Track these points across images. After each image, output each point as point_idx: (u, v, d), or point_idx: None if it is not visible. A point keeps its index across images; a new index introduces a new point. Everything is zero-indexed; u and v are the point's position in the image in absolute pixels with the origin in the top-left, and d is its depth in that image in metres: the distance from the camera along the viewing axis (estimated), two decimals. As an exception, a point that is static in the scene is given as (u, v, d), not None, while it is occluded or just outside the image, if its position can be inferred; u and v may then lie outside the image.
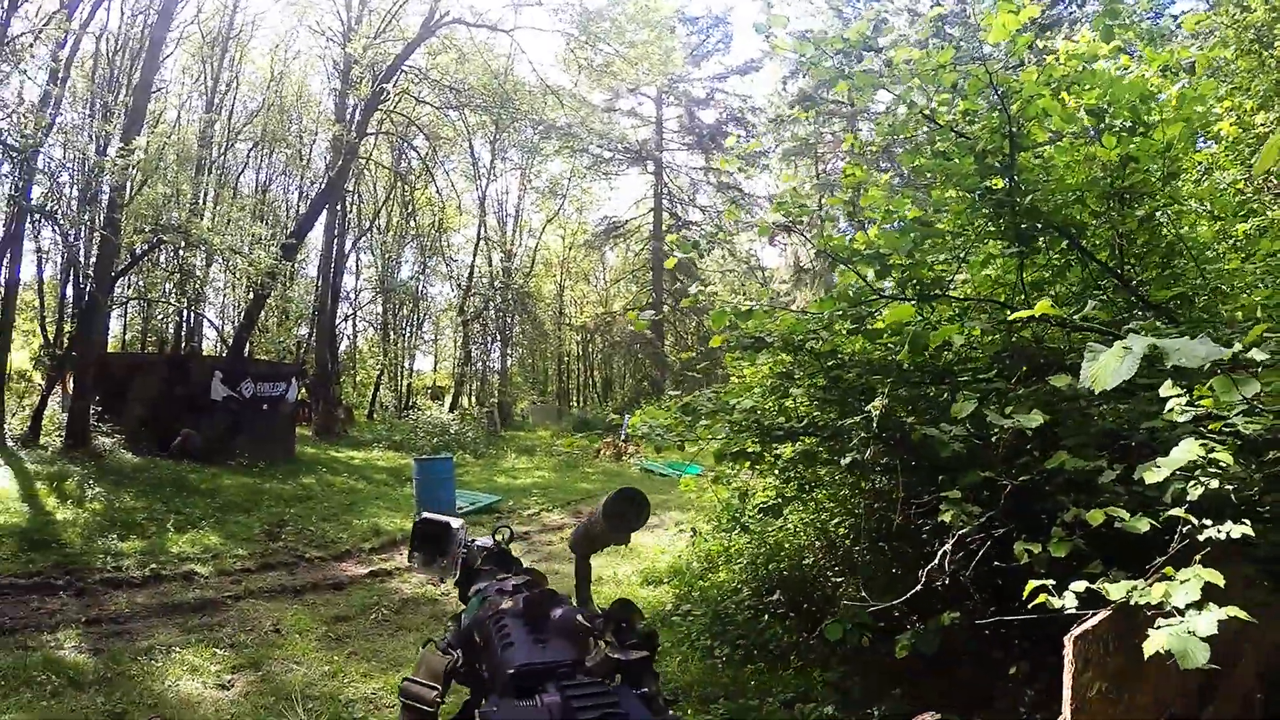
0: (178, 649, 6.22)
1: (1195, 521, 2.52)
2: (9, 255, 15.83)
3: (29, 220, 16.36)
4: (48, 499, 10.51)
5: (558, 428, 31.22)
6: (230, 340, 23.64)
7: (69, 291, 21.38)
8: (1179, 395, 2.43)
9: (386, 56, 22.94)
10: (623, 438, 24.61)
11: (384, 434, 24.17)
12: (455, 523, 1.62)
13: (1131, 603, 2.08)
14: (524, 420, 35.84)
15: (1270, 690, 3.44)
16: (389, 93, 22.55)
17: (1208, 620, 1.89)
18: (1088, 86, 3.72)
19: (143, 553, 9.10)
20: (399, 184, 32.52)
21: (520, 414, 36.99)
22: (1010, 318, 3.09)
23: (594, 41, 23.56)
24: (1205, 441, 2.42)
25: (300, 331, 30.42)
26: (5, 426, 14.09)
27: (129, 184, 14.51)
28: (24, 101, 15.50)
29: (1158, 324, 3.61)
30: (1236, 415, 2.54)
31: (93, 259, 15.50)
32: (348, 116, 23.68)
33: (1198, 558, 2.15)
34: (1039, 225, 3.82)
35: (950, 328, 3.55)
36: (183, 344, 26.08)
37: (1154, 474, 2.51)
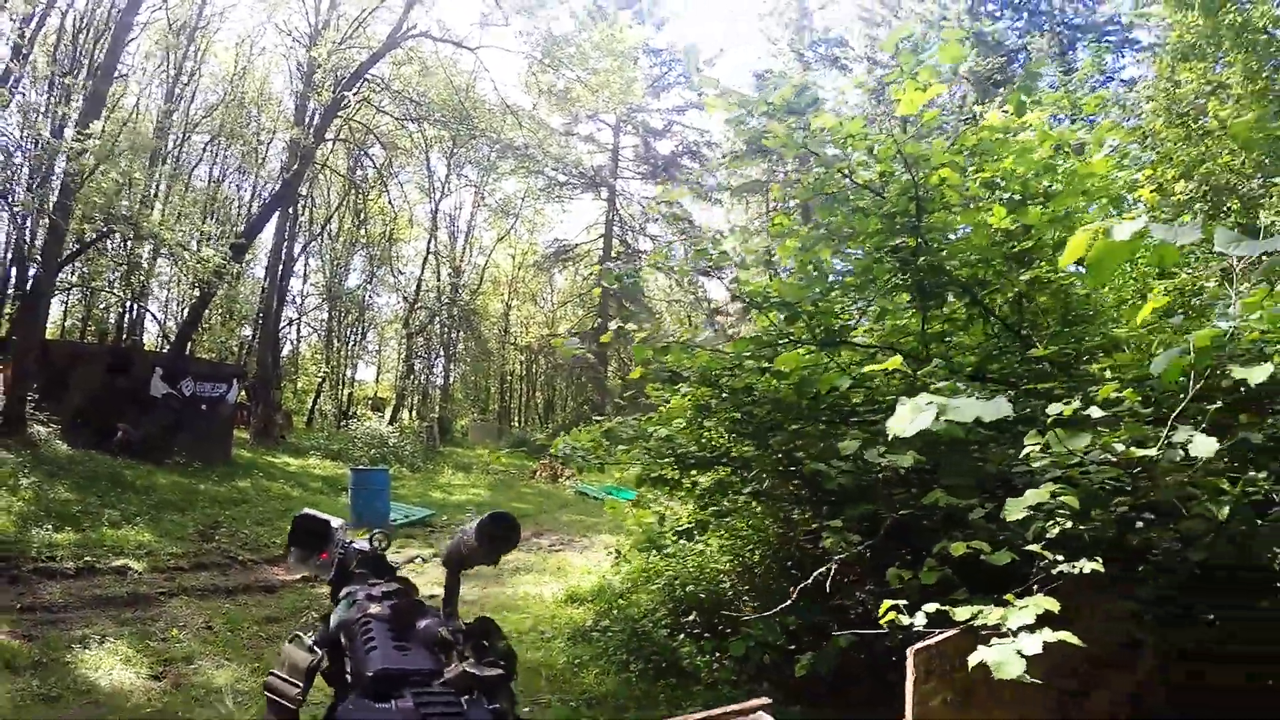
0: (111, 639, 6.31)
1: (1050, 556, 2.85)
2: None
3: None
4: (-18, 485, 10.34)
5: (497, 446, 31.18)
6: (172, 336, 23.25)
7: (11, 274, 20.85)
8: (1036, 444, 2.76)
9: (350, 63, 22.93)
10: (559, 460, 24.73)
11: (322, 442, 23.95)
12: (336, 522, 1.63)
13: (976, 624, 2.37)
14: (464, 437, 35.68)
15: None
16: (350, 100, 22.53)
17: (1034, 641, 2.19)
18: (994, 158, 4.10)
19: (77, 545, 9.11)
20: (353, 191, 32.31)
21: (460, 430, 36.81)
22: (865, 370, 3.41)
23: (557, 66, 23.86)
24: (1057, 486, 2.75)
25: (243, 332, 29.97)
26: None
27: (83, 169, 14.26)
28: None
29: (1045, 379, 3.99)
30: (1091, 465, 2.87)
31: (39, 243, 15.19)
32: (307, 120, 23.57)
33: (1036, 587, 2.46)
34: (942, 281, 4.18)
35: (832, 375, 3.86)
36: (124, 336, 25.50)
37: (1013, 513, 2.83)
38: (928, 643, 2.34)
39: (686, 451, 4.88)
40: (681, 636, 6.15)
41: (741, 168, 34.18)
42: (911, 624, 2.50)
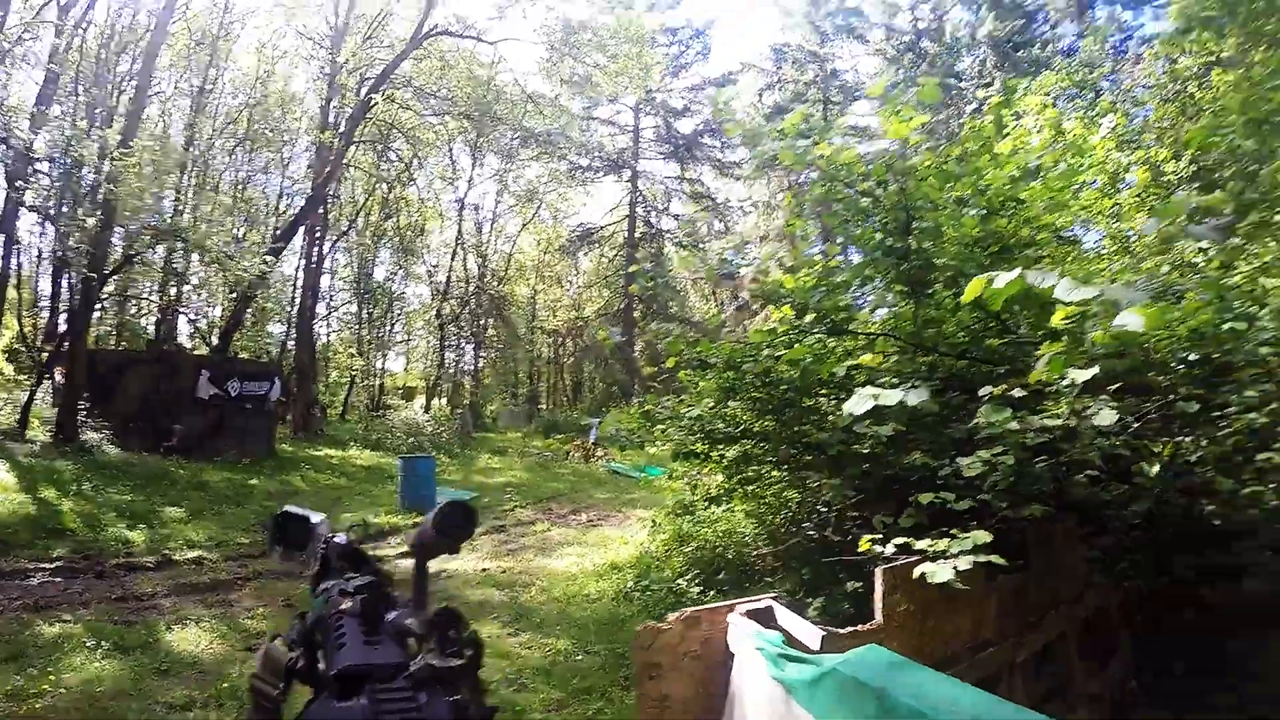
0: (205, 620, 7.08)
1: (998, 503, 3.60)
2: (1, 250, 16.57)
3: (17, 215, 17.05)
4: (47, 490, 11.20)
5: (528, 430, 32.03)
6: (210, 338, 24.22)
7: (44, 285, 21.85)
8: (985, 416, 3.49)
9: (372, 63, 23.61)
10: (592, 440, 25.58)
11: (360, 433, 24.82)
12: (316, 517, 1.60)
13: (930, 550, 3.09)
14: (494, 422, 36.59)
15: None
16: (376, 101, 23.23)
17: (966, 560, 2.91)
18: (971, 173, 4.79)
19: (150, 540, 9.93)
20: (379, 186, 33.12)
21: (491, 416, 37.72)
22: (857, 361, 4.13)
23: (575, 54, 24.40)
24: (999, 448, 3.48)
25: (277, 330, 30.94)
26: (-7, 419, 14.76)
27: (122, 184, 15.11)
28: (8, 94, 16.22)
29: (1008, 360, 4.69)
30: (1029, 433, 3.59)
31: (83, 258, 16.14)
32: (332, 121, 24.32)
33: (976, 524, 3.19)
34: (930, 276, 4.86)
35: (831, 362, 4.57)
36: (158, 340, 26.45)
37: (968, 470, 3.58)
38: (892, 565, 3.05)
39: (714, 428, 5.62)
40: (713, 593, 6.93)
41: (760, 177, 34.70)
42: (883, 552, 3.22)
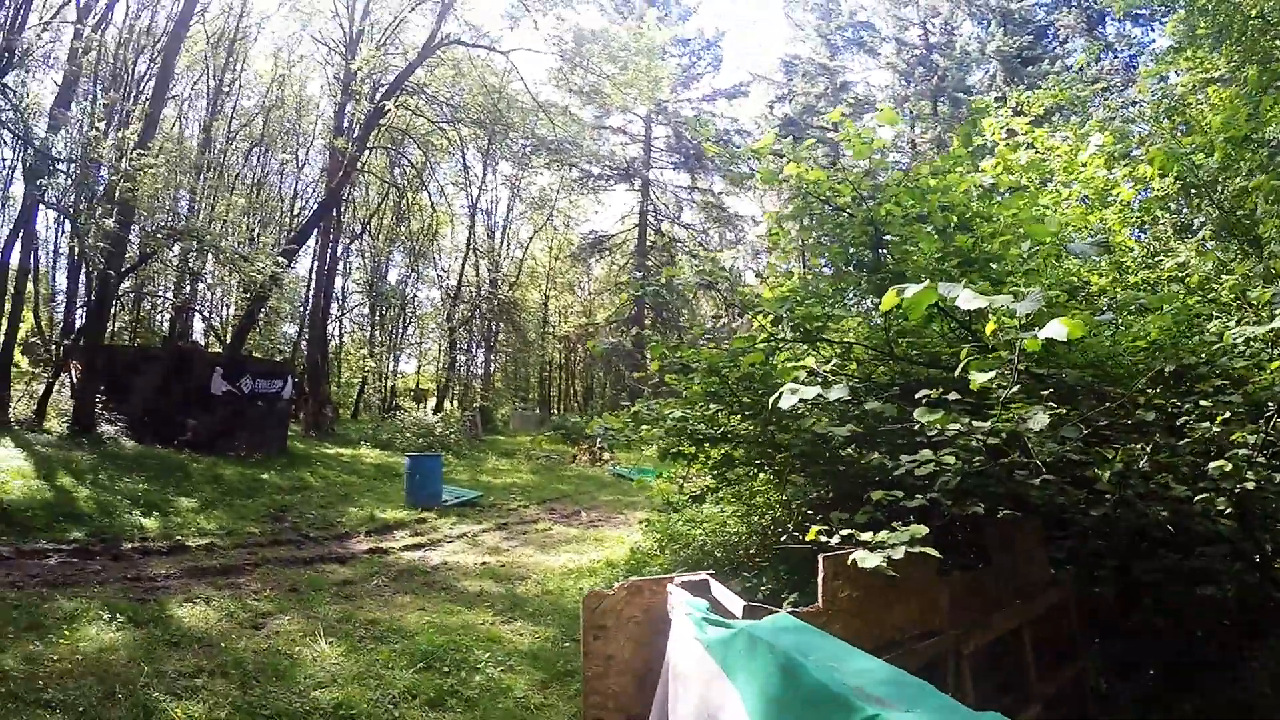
0: (214, 599, 7.44)
1: (946, 501, 3.89)
2: (18, 245, 17.06)
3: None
4: (63, 478, 11.58)
5: (538, 434, 32.38)
6: (224, 335, 24.70)
7: (61, 282, 22.37)
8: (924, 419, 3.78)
9: (386, 69, 24.06)
10: (599, 444, 25.90)
11: (371, 433, 25.19)
12: None
13: (872, 541, 3.38)
14: (505, 425, 36.99)
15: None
16: (389, 109, 23.66)
17: (900, 551, 3.20)
18: (932, 192, 5.09)
19: (163, 527, 10.31)
20: (392, 191, 33.62)
21: (502, 419, 38.12)
22: (784, 365, 4.39)
23: (584, 64, 24.77)
24: (946, 450, 3.77)
25: (290, 330, 31.47)
26: (10, 410, 15.20)
27: (140, 185, 15.55)
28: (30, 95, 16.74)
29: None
30: (974, 437, 3.88)
31: (101, 256, 16.62)
32: (349, 126, 24.80)
33: (912, 520, 3.48)
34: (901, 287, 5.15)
35: (789, 368, 4.86)
36: (173, 337, 26.95)
37: (918, 469, 3.87)
38: (835, 553, 3.34)
39: (696, 430, 5.92)
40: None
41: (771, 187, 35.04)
42: (828, 542, 3.51)
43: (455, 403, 37.18)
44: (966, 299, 2.67)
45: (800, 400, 3.25)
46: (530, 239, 42.69)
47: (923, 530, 3.33)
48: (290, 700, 5.22)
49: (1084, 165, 8.27)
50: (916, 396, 3.66)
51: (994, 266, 5.36)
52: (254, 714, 5.00)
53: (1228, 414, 4.16)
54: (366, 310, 38.36)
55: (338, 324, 37.32)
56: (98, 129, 17.27)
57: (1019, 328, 3.36)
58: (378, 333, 38.35)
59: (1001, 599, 4.59)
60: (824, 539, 3.45)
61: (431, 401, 36.42)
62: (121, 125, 18.45)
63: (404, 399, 38.79)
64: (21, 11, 15.41)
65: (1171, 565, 4.67)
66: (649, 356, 6.20)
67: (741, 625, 2.23)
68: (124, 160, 15.02)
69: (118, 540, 9.49)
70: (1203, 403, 4.36)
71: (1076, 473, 4.29)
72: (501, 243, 41.03)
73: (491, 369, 41.65)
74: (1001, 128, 9.07)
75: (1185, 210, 10.08)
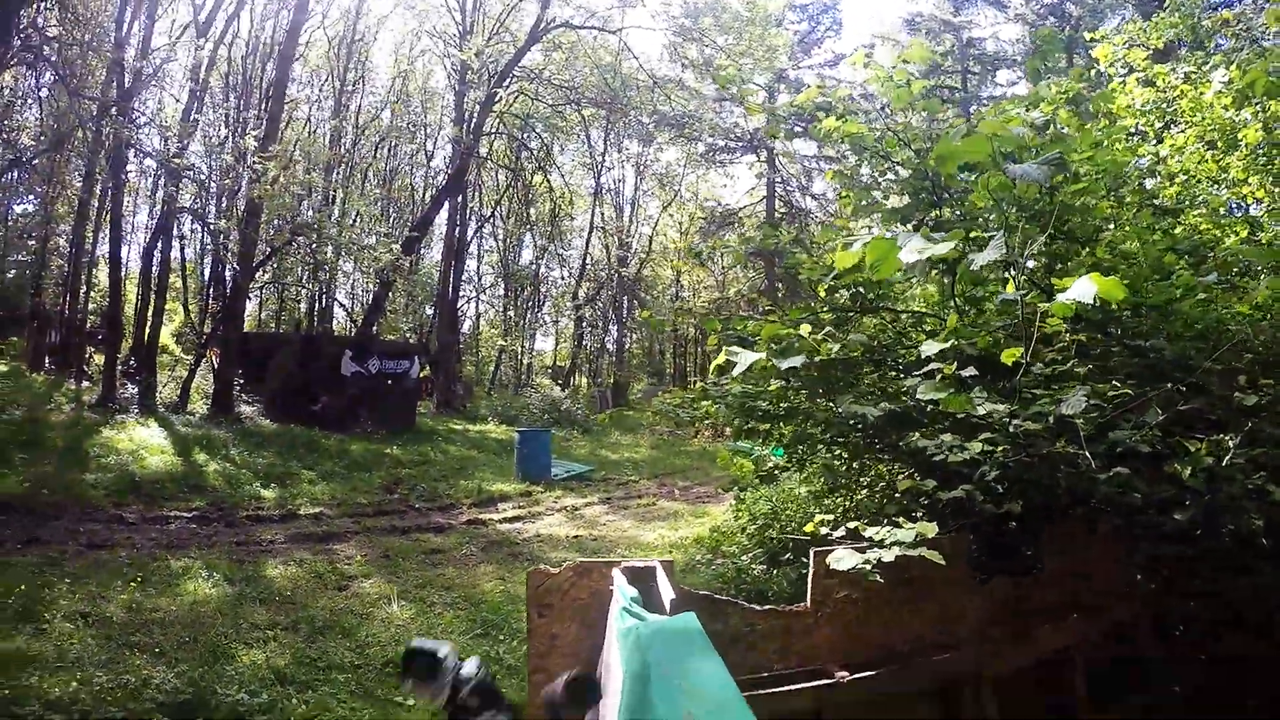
0: (307, 562, 8.02)
1: (980, 496, 3.50)
2: (160, 246, 18.57)
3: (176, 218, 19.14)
4: (198, 454, 12.46)
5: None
6: (359, 321, 25.98)
7: (209, 276, 24.20)
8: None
9: (499, 57, 24.46)
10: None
11: (499, 409, 25.93)
12: (443, 650, 1.63)
13: (875, 538, 3.06)
14: (638, 400, 37.27)
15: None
16: (502, 95, 24.01)
17: (891, 554, 2.88)
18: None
19: (280, 498, 11.02)
20: (517, 176, 34.26)
21: (635, 394, 38.43)
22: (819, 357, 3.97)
23: (700, 38, 24.34)
24: (994, 434, 3.37)
25: (426, 312, 32.74)
26: (158, 394, 16.47)
27: (266, 185, 16.54)
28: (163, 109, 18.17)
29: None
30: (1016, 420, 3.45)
31: (234, 253, 17.91)
32: (465, 116, 25.40)
33: (922, 515, 3.13)
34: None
35: (827, 344, 4.47)
36: (315, 324, 28.60)
37: (957, 456, 3.49)
38: (826, 549, 3.07)
39: (755, 406, 5.65)
40: (775, 571, 6.99)
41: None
42: (829, 534, 3.23)
43: (584, 379, 37.72)
44: (910, 251, 2.34)
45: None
46: (658, 215, 42.59)
47: (930, 529, 3.00)
48: (344, 654, 5.72)
49: (1210, 105, 7.32)
50: (965, 376, 3.25)
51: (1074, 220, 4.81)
52: (310, 663, 5.51)
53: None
54: (501, 291, 39.44)
55: (472, 305, 38.58)
56: (222, 136, 18.60)
57: (1024, 289, 2.99)
58: (510, 312, 39.36)
59: (1048, 610, 4.08)
60: (824, 530, 3.18)
61: (565, 377, 37.14)
62: (245, 132, 19.60)
63: (540, 375, 39.70)
64: (145, 32, 16.70)
65: (1272, 582, 3.92)
66: (707, 329, 5.98)
67: (637, 624, 2.11)
68: (241, 165, 15.99)
69: (235, 509, 10.20)
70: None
71: (1160, 466, 3.72)
72: (630, 220, 41.14)
73: (625, 345, 41.97)
74: (1116, 61, 8.21)
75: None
